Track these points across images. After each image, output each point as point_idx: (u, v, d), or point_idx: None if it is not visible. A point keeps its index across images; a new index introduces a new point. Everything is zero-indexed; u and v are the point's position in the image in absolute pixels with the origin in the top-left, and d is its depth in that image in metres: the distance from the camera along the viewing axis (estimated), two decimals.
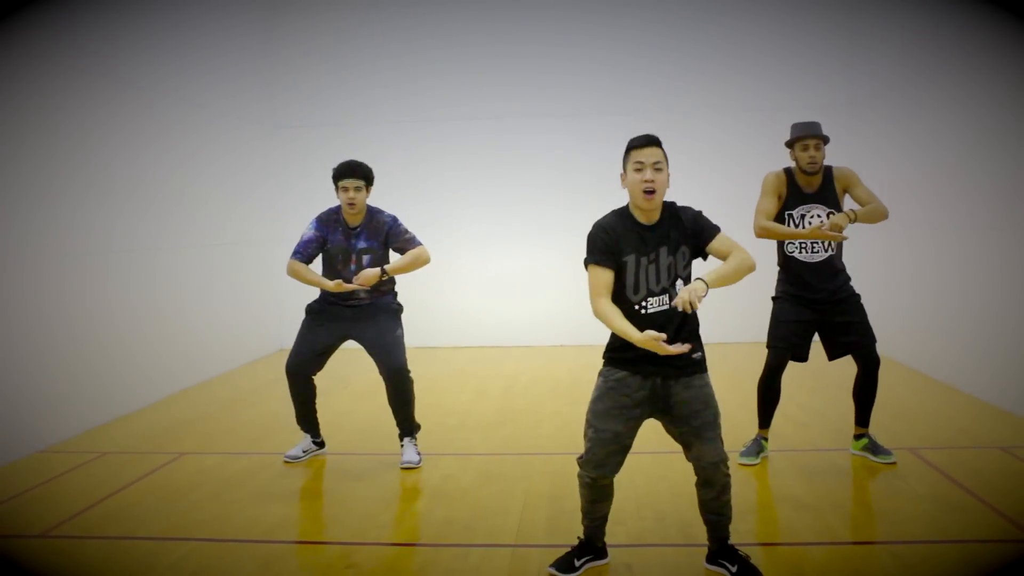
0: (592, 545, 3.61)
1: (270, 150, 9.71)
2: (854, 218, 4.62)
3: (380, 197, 9.45)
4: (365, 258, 5.03)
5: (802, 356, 4.93)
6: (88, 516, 4.34)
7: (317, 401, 5.31)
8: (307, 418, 5.31)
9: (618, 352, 3.39)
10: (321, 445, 5.41)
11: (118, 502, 4.55)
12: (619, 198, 3.47)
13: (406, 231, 5.12)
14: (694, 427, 3.33)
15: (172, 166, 7.44)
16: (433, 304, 9.34)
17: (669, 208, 3.43)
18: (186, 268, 7.62)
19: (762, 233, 4.81)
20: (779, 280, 4.98)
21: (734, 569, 3.42)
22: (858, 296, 4.91)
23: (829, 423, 5.85)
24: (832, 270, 4.85)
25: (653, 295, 3.35)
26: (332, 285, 4.83)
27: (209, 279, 8.04)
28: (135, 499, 4.60)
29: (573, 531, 3.95)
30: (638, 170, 3.34)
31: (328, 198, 5.28)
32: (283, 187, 9.70)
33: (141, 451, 5.55)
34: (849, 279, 4.92)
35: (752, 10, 9.35)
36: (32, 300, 5.59)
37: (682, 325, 3.34)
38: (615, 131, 9.86)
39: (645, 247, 3.36)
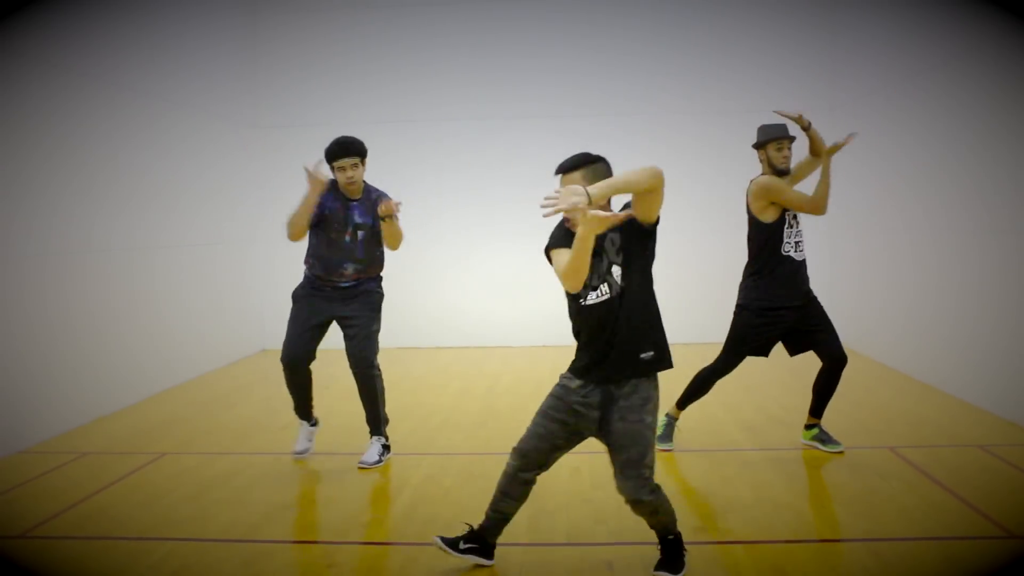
0: (482, 538, 3.57)
1: (253, 151, 9.67)
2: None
3: None
4: (360, 233, 5.05)
5: (764, 354, 5.05)
6: (69, 516, 4.32)
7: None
8: (304, 407, 5.30)
9: (576, 362, 3.46)
10: (316, 423, 5.41)
11: (99, 502, 4.52)
12: None
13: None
14: (619, 461, 3.31)
15: (152, 166, 7.40)
16: (416, 304, 9.33)
17: None
18: (167, 268, 7.58)
19: (822, 202, 4.78)
20: (755, 288, 4.92)
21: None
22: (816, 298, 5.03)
23: None
24: (805, 268, 4.95)
25: (588, 288, 3.31)
26: (310, 170, 4.79)
27: (190, 279, 8.00)
28: (116, 499, 4.57)
29: (554, 530, 3.97)
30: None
31: None
32: (266, 188, 9.65)
33: (122, 451, 5.52)
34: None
35: (735, 13, 9.40)
36: (11, 300, 5.54)
37: (627, 318, 3.28)
38: (598, 132, 9.96)
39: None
